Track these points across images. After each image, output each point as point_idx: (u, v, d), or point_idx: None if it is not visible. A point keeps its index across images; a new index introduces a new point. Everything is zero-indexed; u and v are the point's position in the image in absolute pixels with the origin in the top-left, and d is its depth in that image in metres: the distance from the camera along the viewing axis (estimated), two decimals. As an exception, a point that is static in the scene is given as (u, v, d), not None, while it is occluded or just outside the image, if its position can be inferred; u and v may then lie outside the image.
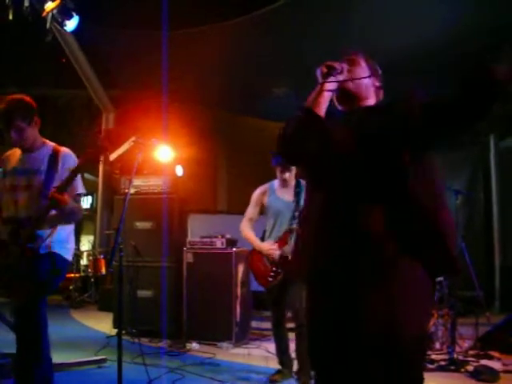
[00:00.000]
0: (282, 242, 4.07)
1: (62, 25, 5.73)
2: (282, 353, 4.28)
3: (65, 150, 3.13)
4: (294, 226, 3.95)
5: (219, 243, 5.81)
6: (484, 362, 4.57)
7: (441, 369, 4.48)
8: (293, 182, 4.19)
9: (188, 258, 5.84)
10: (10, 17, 5.51)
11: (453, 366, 4.49)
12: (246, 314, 5.83)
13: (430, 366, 4.48)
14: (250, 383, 4.31)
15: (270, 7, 6.31)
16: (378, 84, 2.18)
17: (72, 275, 8.91)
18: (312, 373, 3.78)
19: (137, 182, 6.23)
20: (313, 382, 3.69)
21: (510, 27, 5.81)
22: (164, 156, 6.30)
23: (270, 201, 4.29)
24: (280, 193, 4.27)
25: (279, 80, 7.42)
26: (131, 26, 7.12)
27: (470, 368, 4.44)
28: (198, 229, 7.20)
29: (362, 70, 2.14)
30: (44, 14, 5.55)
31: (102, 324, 6.59)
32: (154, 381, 4.04)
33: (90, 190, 12.66)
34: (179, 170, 6.62)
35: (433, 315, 4.96)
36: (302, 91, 2.09)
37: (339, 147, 2.00)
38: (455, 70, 6.32)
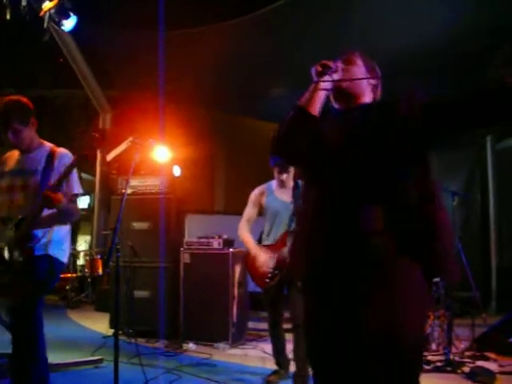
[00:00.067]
0: (280, 243, 4.04)
1: (60, 24, 5.73)
2: (278, 353, 4.28)
3: (61, 150, 3.13)
4: (293, 227, 3.93)
5: (216, 244, 5.81)
6: (480, 363, 4.57)
7: (437, 370, 4.47)
8: (291, 183, 4.13)
9: (185, 258, 5.84)
10: (8, 16, 5.50)
11: (449, 367, 4.49)
12: (242, 314, 5.83)
13: (426, 367, 4.48)
14: (246, 384, 4.31)
15: (270, 7, 6.31)
16: (374, 82, 2.18)
17: (69, 275, 8.90)
18: (309, 375, 3.80)
19: (134, 182, 6.23)
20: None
21: (510, 27, 5.83)
22: (161, 156, 6.30)
23: (268, 201, 4.28)
24: (278, 193, 4.26)
25: (278, 80, 7.42)
26: (129, 27, 7.11)
27: (467, 369, 4.44)
28: (195, 229, 7.20)
29: (358, 68, 2.14)
30: (41, 13, 5.55)
31: (99, 324, 6.58)
32: (150, 381, 4.03)
33: (87, 190, 12.65)
34: (176, 171, 6.62)
35: (429, 316, 4.97)
36: (301, 92, 2.09)
37: (333, 146, 2.00)
38: (455, 70, 6.37)
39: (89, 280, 9.12)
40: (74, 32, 6.28)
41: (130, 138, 4.29)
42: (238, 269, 5.75)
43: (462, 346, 5.09)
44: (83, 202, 13.78)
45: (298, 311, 3.78)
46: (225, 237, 5.86)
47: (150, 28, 6.81)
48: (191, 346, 5.50)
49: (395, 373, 1.81)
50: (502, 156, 8.73)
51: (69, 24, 5.75)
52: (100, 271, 8.63)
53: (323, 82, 2.03)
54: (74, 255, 9.69)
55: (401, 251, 1.85)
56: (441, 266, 1.90)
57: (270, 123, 7.62)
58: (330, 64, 2.04)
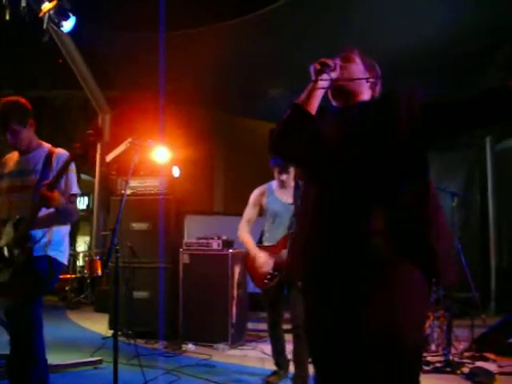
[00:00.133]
0: (281, 245, 4.03)
1: (59, 25, 5.73)
2: (278, 354, 4.27)
3: (60, 150, 3.13)
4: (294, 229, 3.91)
5: (215, 244, 5.81)
6: (479, 363, 4.57)
7: (436, 371, 4.47)
8: (291, 184, 4.09)
9: (184, 259, 5.84)
10: (7, 17, 5.50)
11: (448, 367, 4.49)
12: (242, 315, 5.83)
13: (426, 368, 4.48)
14: (245, 385, 4.31)
15: (270, 7, 6.30)
16: (373, 80, 2.18)
17: (68, 276, 8.89)
18: (309, 376, 3.80)
19: (133, 183, 6.22)
20: None
21: (510, 27, 5.83)
22: (160, 157, 6.30)
23: (269, 202, 4.25)
24: (278, 194, 4.23)
25: (278, 80, 7.41)
26: (128, 27, 7.10)
27: (466, 370, 4.44)
28: (195, 230, 7.20)
29: (357, 66, 2.14)
30: (41, 14, 5.55)
31: (98, 325, 6.57)
32: (149, 382, 4.03)
33: (87, 191, 12.65)
34: (176, 171, 6.61)
35: (428, 317, 4.97)
36: (301, 92, 2.09)
37: (331, 144, 2.00)
38: (455, 70, 6.36)
39: (88, 281, 9.12)
40: (73, 33, 6.28)
41: (130, 139, 4.30)
42: (237, 269, 5.75)
43: (462, 346, 5.08)
44: (82, 203, 13.78)
45: (298, 312, 3.77)
46: (224, 238, 5.86)
47: (149, 29, 6.81)
48: (190, 346, 5.50)
49: (395, 373, 1.81)
50: (501, 157, 8.74)
51: (68, 25, 5.75)
52: (99, 272, 8.61)
53: (322, 80, 2.03)
54: (74, 256, 9.68)
55: (400, 251, 1.86)
56: (439, 266, 1.90)
57: (269, 124, 7.61)
58: (329, 62, 2.04)
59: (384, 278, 1.85)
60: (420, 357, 2.07)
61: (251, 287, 4.86)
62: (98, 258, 8.73)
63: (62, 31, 6.09)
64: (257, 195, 4.35)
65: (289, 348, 4.18)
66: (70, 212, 3.05)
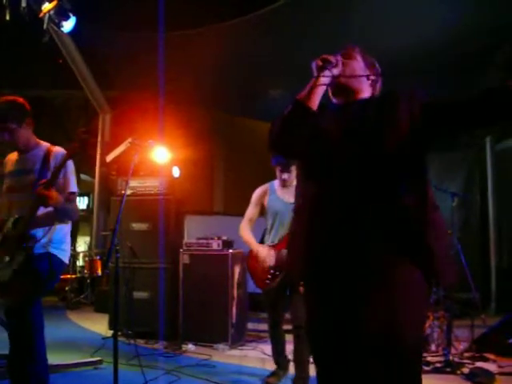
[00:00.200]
0: (282, 244, 4.03)
1: (59, 26, 5.72)
2: (278, 354, 4.27)
3: (57, 148, 3.13)
4: None
5: (215, 245, 5.81)
6: (479, 364, 4.58)
7: (436, 371, 4.47)
8: (294, 182, 4.05)
9: (184, 259, 5.84)
10: (7, 17, 5.50)
11: (448, 368, 4.49)
12: (242, 315, 5.83)
13: (426, 368, 4.49)
14: (245, 385, 4.31)
15: (270, 7, 6.30)
16: (373, 78, 2.18)
17: (68, 276, 8.88)
18: (309, 377, 3.80)
19: (133, 183, 6.22)
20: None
21: (510, 27, 5.83)
22: (160, 157, 6.30)
23: (271, 200, 4.23)
24: (280, 193, 4.21)
25: (278, 81, 7.42)
26: (128, 27, 7.10)
27: (466, 370, 4.44)
28: (195, 230, 7.20)
29: (358, 63, 2.14)
30: (41, 14, 5.54)
31: (98, 325, 6.58)
32: (149, 382, 4.03)
33: (87, 191, 12.66)
34: (176, 172, 6.61)
35: (428, 317, 4.97)
36: (301, 91, 2.08)
37: (332, 140, 2.00)
38: (455, 70, 6.35)
39: (88, 281, 9.12)
40: (73, 33, 6.27)
41: (130, 139, 4.30)
42: (237, 270, 5.75)
43: (462, 346, 5.08)
44: (82, 203, 13.78)
45: (300, 312, 3.75)
46: (224, 238, 5.86)
47: (149, 29, 6.81)
48: (190, 347, 5.50)
49: (395, 373, 1.82)
50: (501, 157, 8.75)
51: (68, 25, 5.74)
52: (99, 272, 8.62)
53: (323, 76, 2.03)
54: (74, 256, 9.68)
55: (400, 251, 1.86)
56: (437, 267, 1.90)
57: (269, 124, 7.61)
58: (331, 58, 2.04)
59: (384, 278, 1.85)
60: (420, 357, 2.07)
61: (251, 287, 4.86)
62: (98, 258, 8.74)
63: (62, 31, 6.08)
64: (259, 194, 4.34)
65: (289, 348, 4.18)
66: (69, 210, 3.05)
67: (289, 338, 4.14)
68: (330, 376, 2.00)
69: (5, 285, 2.92)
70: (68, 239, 3.18)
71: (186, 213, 7.17)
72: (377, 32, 6.00)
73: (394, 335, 1.81)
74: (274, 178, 4.29)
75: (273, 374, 4.26)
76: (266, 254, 4.02)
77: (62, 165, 2.92)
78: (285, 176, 4.13)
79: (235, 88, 7.98)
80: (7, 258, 2.92)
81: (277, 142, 2.09)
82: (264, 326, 5.03)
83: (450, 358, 4.60)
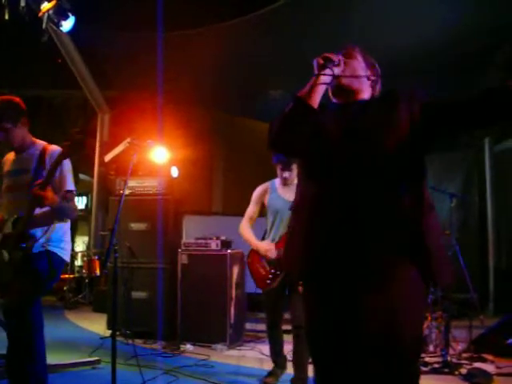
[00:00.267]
0: (283, 242, 4.02)
1: (58, 25, 5.72)
2: (276, 355, 4.26)
3: (53, 147, 3.13)
4: None
5: (214, 245, 5.81)
6: (477, 364, 4.58)
7: (434, 371, 4.47)
8: (295, 181, 4.02)
9: (183, 259, 5.83)
10: (7, 17, 5.50)
11: (446, 368, 4.49)
12: (240, 315, 5.82)
13: (424, 369, 4.48)
14: (243, 385, 4.31)
15: (270, 7, 6.30)
16: (373, 78, 2.18)
17: (66, 276, 8.88)
18: (308, 378, 3.80)
19: (132, 183, 6.22)
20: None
21: (510, 27, 5.83)
22: (159, 157, 6.30)
23: (271, 199, 4.22)
24: (281, 192, 4.18)
25: (278, 81, 7.42)
26: (128, 27, 7.10)
27: (464, 371, 4.44)
28: (193, 230, 7.20)
29: (359, 63, 2.14)
30: (40, 14, 5.54)
31: (96, 325, 6.57)
32: (148, 382, 4.02)
33: (85, 191, 12.65)
34: (174, 172, 6.61)
35: (426, 318, 4.97)
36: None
37: (332, 139, 2.00)
38: (455, 70, 6.36)
39: (86, 281, 9.11)
40: (72, 33, 6.28)
41: (128, 139, 4.30)
42: (235, 270, 5.75)
43: (460, 347, 5.08)
44: (81, 203, 13.77)
45: (299, 312, 3.75)
46: (223, 238, 5.85)
47: (148, 29, 6.81)
48: (189, 347, 5.50)
49: (395, 372, 1.82)
50: (499, 158, 8.75)
51: (67, 25, 5.74)
52: (98, 272, 8.62)
53: (324, 75, 2.02)
54: (72, 256, 9.68)
55: (400, 251, 1.86)
56: (434, 267, 1.90)
57: (269, 124, 7.60)
58: (333, 57, 2.03)
59: (384, 278, 1.86)
60: (419, 357, 2.07)
61: (249, 287, 4.85)
62: (96, 258, 8.74)
63: (61, 31, 6.09)
64: (259, 192, 4.32)
65: (288, 348, 4.17)
66: (66, 209, 3.03)
67: (288, 338, 4.14)
68: (330, 376, 2.00)
69: (5, 285, 2.92)
70: (68, 238, 3.18)
71: (184, 213, 7.18)
72: (377, 32, 6.00)
73: (394, 335, 1.82)
74: (273, 178, 4.28)
75: (270, 373, 4.25)
76: (267, 248, 4.02)
77: (57, 163, 2.91)
78: (286, 174, 4.11)
79: (235, 88, 7.98)
80: (7, 258, 2.92)
81: (277, 139, 2.07)
82: (262, 327, 5.03)
83: (448, 358, 4.59)
